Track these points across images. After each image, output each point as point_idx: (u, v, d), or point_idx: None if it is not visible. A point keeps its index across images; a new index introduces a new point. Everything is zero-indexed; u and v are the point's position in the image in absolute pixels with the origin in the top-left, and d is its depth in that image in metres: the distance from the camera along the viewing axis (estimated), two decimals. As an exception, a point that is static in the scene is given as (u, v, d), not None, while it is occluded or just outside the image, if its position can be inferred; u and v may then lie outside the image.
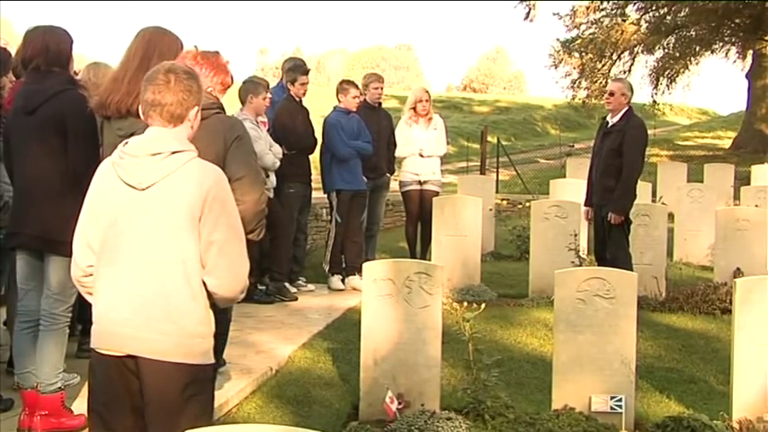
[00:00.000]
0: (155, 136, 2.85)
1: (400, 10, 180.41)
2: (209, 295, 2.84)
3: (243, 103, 7.32)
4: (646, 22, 25.05)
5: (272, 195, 7.19)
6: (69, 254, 4.29)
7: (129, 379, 2.80)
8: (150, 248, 2.77)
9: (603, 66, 26.04)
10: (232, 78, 4.14)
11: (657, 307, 7.41)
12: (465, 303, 4.80)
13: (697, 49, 25.19)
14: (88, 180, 4.30)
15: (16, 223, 4.43)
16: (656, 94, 27.17)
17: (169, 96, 2.84)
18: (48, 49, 4.39)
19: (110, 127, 4.25)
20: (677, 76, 26.80)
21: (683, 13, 23.48)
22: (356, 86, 8.51)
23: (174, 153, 2.81)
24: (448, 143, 9.76)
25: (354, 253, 8.44)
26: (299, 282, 8.30)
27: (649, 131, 26.17)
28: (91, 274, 2.91)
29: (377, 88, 8.92)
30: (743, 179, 13.90)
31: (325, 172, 8.42)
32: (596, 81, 26.38)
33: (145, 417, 2.81)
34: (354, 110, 8.38)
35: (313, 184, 8.41)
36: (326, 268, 8.46)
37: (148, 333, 2.75)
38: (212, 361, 2.92)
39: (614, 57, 25.78)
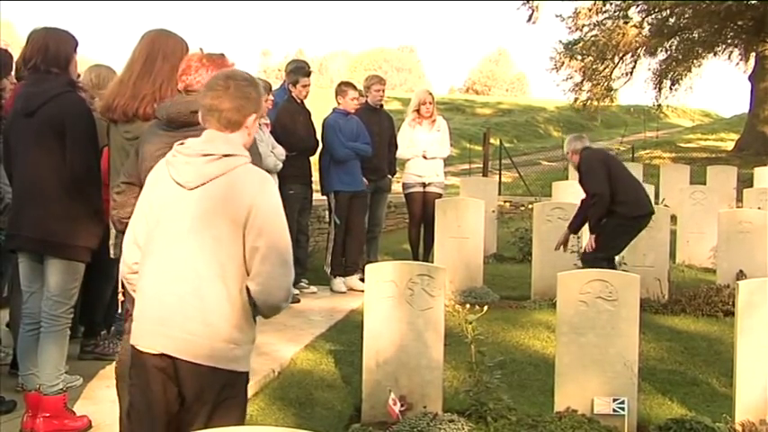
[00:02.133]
0: (209, 138, 2.87)
1: (402, 12, 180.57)
2: (250, 304, 2.82)
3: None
4: (648, 24, 25.06)
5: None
6: (68, 255, 4.34)
7: (164, 380, 2.81)
8: (191, 249, 2.78)
9: (605, 68, 26.04)
10: None
11: (660, 309, 7.40)
12: (467, 305, 4.81)
13: (699, 51, 25.18)
14: (87, 183, 4.34)
15: (16, 225, 4.43)
16: (658, 96, 27.18)
17: (227, 102, 2.86)
18: (47, 48, 4.38)
19: (116, 130, 4.25)
20: (680, 79, 26.78)
21: (685, 16, 23.47)
22: (354, 88, 8.53)
23: (225, 156, 2.82)
24: (451, 145, 9.76)
25: (355, 253, 8.45)
26: (302, 284, 8.29)
27: (652, 134, 26.03)
28: (137, 272, 2.94)
29: (378, 90, 8.93)
30: (745, 181, 13.87)
31: (324, 173, 8.45)
32: (598, 83, 26.39)
33: (182, 416, 2.84)
34: (353, 111, 8.39)
35: (317, 186, 8.41)
36: (328, 270, 8.46)
37: (181, 333, 2.76)
38: (246, 369, 2.91)
39: (616, 59, 25.77)
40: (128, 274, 3.01)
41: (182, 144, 2.91)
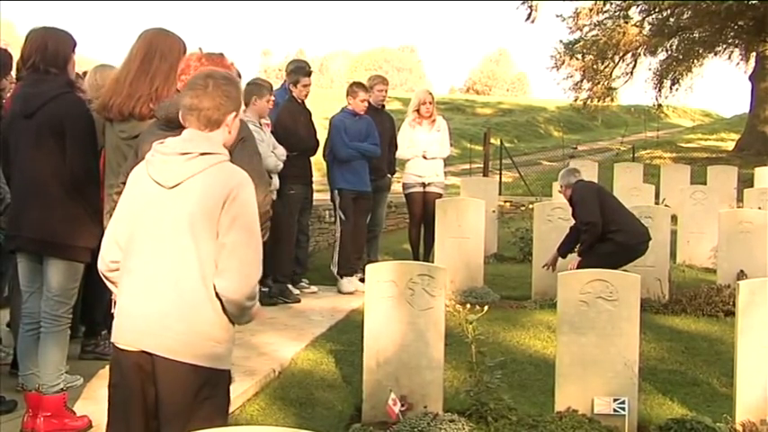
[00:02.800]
0: (188, 137, 2.89)
1: (403, 12, 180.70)
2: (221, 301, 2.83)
3: (246, 104, 7.33)
4: (649, 24, 25.04)
5: (274, 197, 7.19)
6: (68, 256, 4.34)
7: (143, 379, 2.82)
8: (171, 247, 2.79)
9: (606, 67, 26.03)
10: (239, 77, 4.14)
11: (660, 309, 7.40)
12: (468, 305, 4.80)
13: (700, 51, 25.16)
14: (87, 183, 4.34)
15: (15, 226, 4.43)
16: (659, 96, 27.17)
17: (207, 101, 2.88)
18: (46, 47, 4.38)
19: (112, 129, 4.25)
20: (680, 79, 26.77)
21: (685, 16, 23.45)
22: (365, 90, 8.52)
23: (203, 154, 2.84)
24: (451, 145, 9.76)
25: (355, 255, 8.44)
26: (302, 283, 8.30)
27: (652, 133, 26.02)
28: (115, 270, 2.95)
29: (381, 90, 8.95)
30: (746, 181, 13.86)
31: (329, 171, 8.49)
32: (598, 83, 26.38)
33: (159, 417, 2.83)
34: (362, 113, 8.39)
35: (318, 186, 8.41)
36: (334, 270, 8.41)
37: (162, 330, 2.76)
38: (227, 367, 2.91)
39: (616, 59, 25.76)
40: (106, 272, 3.01)
41: (161, 143, 2.92)
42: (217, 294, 2.80)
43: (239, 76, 4.21)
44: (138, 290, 2.83)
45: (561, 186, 7.67)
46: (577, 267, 7.01)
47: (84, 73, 5.85)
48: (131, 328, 2.82)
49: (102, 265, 3.00)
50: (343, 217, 8.31)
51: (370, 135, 8.39)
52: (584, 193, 7.47)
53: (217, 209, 2.78)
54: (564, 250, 7.54)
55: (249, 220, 2.84)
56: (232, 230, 2.79)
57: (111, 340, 2.91)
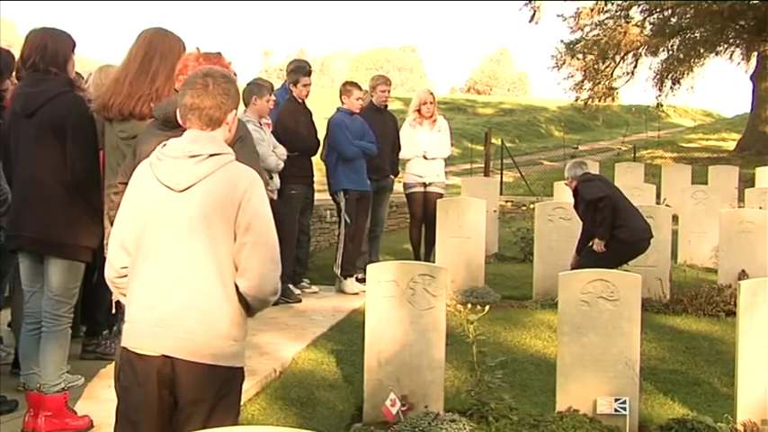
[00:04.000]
0: (193, 138, 2.87)
1: (404, 11, 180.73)
2: (243, 300, 2.84)
3: (246, 104, 7.34)
4: (650, 24, 25.03)
5: (275, 197, 7.19)
6: (69, 255, 4.35)
7: (161, 383, 2.80)
8: (186, 249, 2.78)
9: (607, 67, 26.02)
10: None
11: (661, 309, 7.40)
12: (469, 305, 4.80)
13: (701, 51, 25.16)
14: (88, 182, 4.34)
15: (16, 226, 4.44)
16: (659, 96, 27.17)
17: (208, 100, 2.87)
18: (45, 47, 4.39)
19: (111, 129, 4.24)
20: (681, 78, 26.77)
21: (687, 15, 23.45)
22: (359, 88, 8.51)
23: (211, 156, 2.83)
24: (452, 145, 9.75)
25: (355, 255, 8.43)
26: (303, 283, 8.29)
27: (653, 133, 25.97)
28: (125, 276, 2.92)
29: (384, 91, 8.93)
30: (747, 181, 13.87)
31: (331, 172, 8.42)
32: (599, 83, 26.37)
33: (177, 418, 2.83)
34: (357, 111, 8.38)
35: (318, 186, 8.38)
36: (338, 272, 8.39)
37: (181, 333, 2.76)
38: (243, 364, 2.92)
39: (617, 58, 25.75)
40: (115, 279, 2.97)
41: (164, 145, 2.90)
42: (237, 293, 2.81)
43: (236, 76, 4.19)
44: (152, 294, 2.81)
45: (568, 178, 7.62)
46: (577, 266, 7.02)
47: (89, 74, 5.86)
48: (150, 333, 2.80)
49: (112, 271, 2.97)
50: (348, 220, 8.28)
51: (367, 134, 8.38)
52: (591, 179, 7.51)
53: (231, 209, 2.78)
54: (582, 249, 7.51)
55: (265, 218, 2.85)
56: (250, 231, 2.79)
57: (125, 345, 2.88)
